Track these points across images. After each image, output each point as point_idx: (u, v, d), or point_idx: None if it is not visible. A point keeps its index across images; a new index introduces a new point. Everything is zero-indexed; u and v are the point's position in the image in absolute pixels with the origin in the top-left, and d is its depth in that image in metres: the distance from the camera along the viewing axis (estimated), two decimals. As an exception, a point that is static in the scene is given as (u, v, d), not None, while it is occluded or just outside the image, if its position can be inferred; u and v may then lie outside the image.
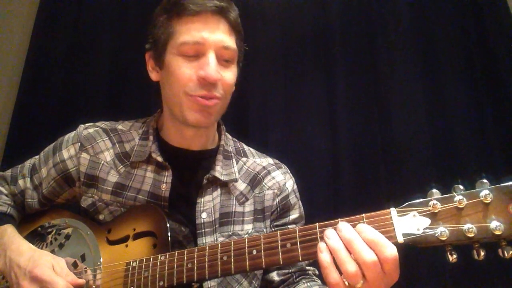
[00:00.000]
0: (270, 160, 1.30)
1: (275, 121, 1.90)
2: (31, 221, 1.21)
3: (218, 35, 1.06)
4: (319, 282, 1.17)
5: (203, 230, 1.10)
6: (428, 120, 1.86)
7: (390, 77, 1.93)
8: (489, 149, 1.81)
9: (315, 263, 1.18)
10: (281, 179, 1.25)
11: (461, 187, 0.70)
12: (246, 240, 0.86)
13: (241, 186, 1.19)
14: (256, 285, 1.17)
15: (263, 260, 0.83)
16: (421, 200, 0.72)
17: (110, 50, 1.99)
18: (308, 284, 1.15)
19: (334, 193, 1.81)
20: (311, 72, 1.96)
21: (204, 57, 1.05)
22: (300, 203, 1.30)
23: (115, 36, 2.01)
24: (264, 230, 1.19)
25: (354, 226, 0.75)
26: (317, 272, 1.21)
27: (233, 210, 1.16)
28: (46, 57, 1.98)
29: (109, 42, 2.00)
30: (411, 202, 0.73)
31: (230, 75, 1.10)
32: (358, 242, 0.72)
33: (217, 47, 1.05)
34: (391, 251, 0.70)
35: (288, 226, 1.24)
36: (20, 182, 1.21)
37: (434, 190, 0.72)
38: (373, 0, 2.01)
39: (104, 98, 1.95)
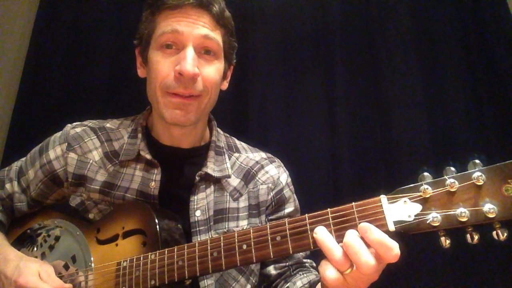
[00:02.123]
0: (263, 154, 1.28)
1: (275, 121, 1.89)
2: (20, 223, 1.19)
3: (198, 27, 1.03)
4: (316, 272, 1.15)
5: (197, 229, 1.07)
6: (428, 120, 1.84)
7: (390, 77, 1.91)
8: (489, 149, 1.78)
9: (313, 255, 1.17)
10: (275, 173, 1.23)
11: (452, 168, 0.68)
12: (236, 234, 0.84)
13: (235, 181, 1.17)
14: (253, 281, 1.15)
15: (253, 254, 0.81)
16: (411, 185, 0.70)
17: (110, 50, 2.00)
18: (305, 275, 1.13)
19: (333, 191, 1.79)
20: (311, 72, 1.95)
21: (182, 51, 1.02)
22: (295, 196, 1.27)
23: (115, 36, 2.01)
24: (260, 225, 1.16)
25: (345, 216, 0.74)
26: (314, 264, 1.20)
27: (227, 206, 1.14)
28: (46, 57, 1.99)
29: (109, 42, 2.01)
30: (402, 187, 0.71)
31: (212, 70, 1.06)
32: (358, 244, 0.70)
33: (196, 40, 1.03)
34: (396, 253, 0.68)
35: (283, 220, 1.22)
36: (8, 186, 1.18)
37: (425, 174, 0.70)
38: (373, 0, 2.00)
39: (103, 98, 1.95)
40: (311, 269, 1.18)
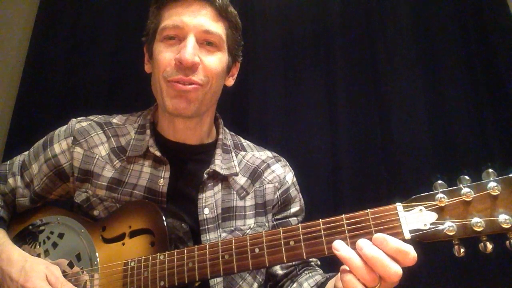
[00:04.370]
0: (269, 153, 1.28)
1: (275, 121, 1.90)
2: (22, 219, 1.16)
3: (199, 19, 1.04)
4: (321, 271, 1.16)
5: (206, 227, 1.07)
6: (428, 120, 1.86)
7: (390, 77, 1.92)
8: (489, 149, 1.81)
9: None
10: (281, 172, 1.24)
11: (467, 177, 0.69)
12: (248, 238, 0.84)
13: (241, 180, 1.17)
14: (260, 279, 1.15)
15: (266, 258, 0.81)
16: (427, 193, 0.71)
17: (110, 50, 1.99)
18: (311, 274, 1.13)
19: (334, 191, 1.81)
20: (311, 71, 1.96)
21: (183, 41, 1.03)
22: (300, 196, 1.28)
23: (115, 36, 2.01)
24: (266, 224, 1.18)
25: (360, 223, 0.74)
26: (319, 262, 1.21)
27: (234, 204, 1.14)
28: (46, 57, 1.98)
29: (109, 42, 2.00)
30: (417, 195, 0.71)
31: (213, 60, 1.06)
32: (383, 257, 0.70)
33: (197, 31, 1.04)
34: (413, 255, 0.69)
35: (289, 219, 1.23)
36: (10, 180, 1.16)
37: (439, 182, 0.71)
38: (373, 0, 2.01)
39: (104, 98, 1.94)
40: (317, 268, 1.19)
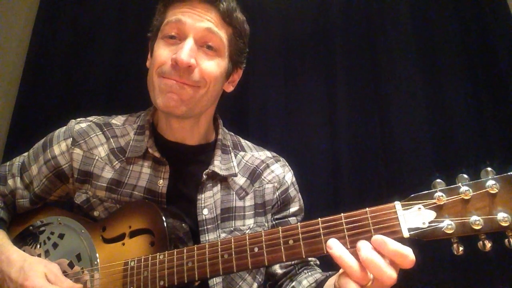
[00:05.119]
0: (268, 153, 1.28)
1: (275, 121, 1.90)
2: (22, 220, 1.16)
3: (202, 22, 1.04)
4: (320, 270, 1.16)
5: (205, 227, 1.08)
6: (428, 120, 1.86)
7: (390, 77, 1.93)
8: (489, 149, 1.81)
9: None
10: (280, 172, 1.24)
11: (465, 176, 0.68)
12: (247, 237, 0.84)
13: (241, 180, 1.17)
14: (260, 279, 1.15)
15: (265, 257, 0.81)
16: (425, 192, 0.71)
17: (110, 50, 2.00)
18: (310, 273, 1.14)
19: (334, 191, 1.81)
20: (311, 72, 1.97)
21: (182, 42, 1.03)
22: (300, 196, 1.28)
23: (115, 36, 2.01)
24: (266, 224, 1.18)
25: (359, 221, 0.74)
26: (318, 262, 1.21)
27: (234, 205, 1.14)
28: (46, 57, 1.99)
29: (109, 42, 2.01)
30: (416, 194, 0.71)
31: (211, 64, 1.05)
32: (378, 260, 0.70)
33: (198, 34, 1.03)
34: (412, 259, 0.69)
35: (289, 219, 1.23)
36: (10, 181, 1.16)
37: (438, 180, 0.71)
38: (373, 0, 2.01)
39: (104, 98, 1.95)
40: (316, 268, 1.19)
